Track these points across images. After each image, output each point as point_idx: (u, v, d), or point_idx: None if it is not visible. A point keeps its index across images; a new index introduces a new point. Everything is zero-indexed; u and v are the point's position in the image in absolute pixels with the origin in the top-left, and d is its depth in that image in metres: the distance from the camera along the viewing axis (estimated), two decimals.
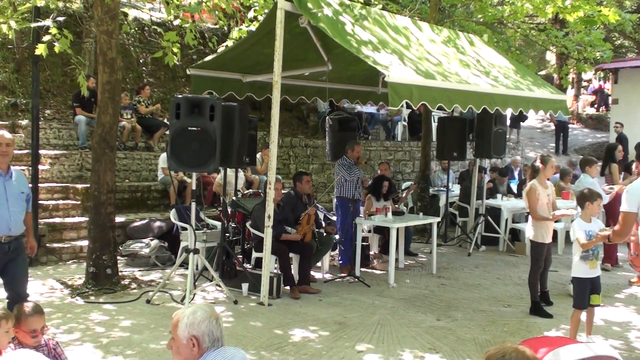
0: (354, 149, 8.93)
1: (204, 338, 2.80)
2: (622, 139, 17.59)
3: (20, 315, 3.92)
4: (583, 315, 6.05)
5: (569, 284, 7.66)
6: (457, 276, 8.94)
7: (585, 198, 6.04)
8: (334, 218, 9.71)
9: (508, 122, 14.12)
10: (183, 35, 8.05)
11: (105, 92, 7.64)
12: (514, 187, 12.64)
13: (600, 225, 6.06)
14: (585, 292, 6.02)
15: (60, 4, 13.46)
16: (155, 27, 15.76)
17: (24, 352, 3.31)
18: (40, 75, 9.66)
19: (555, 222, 7.90)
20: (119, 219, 9.05)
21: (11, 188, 5.46)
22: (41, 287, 7.67)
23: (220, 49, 9.68)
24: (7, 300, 5.51)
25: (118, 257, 8.32)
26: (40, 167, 9.59)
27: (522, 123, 19.24)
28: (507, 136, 14.48)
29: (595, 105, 26.53)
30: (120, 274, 8.04)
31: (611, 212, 9.20)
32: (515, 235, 11.32)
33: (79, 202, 10.15)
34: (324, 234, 8.84)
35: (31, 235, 5.87)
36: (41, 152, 10.19)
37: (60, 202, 10.14)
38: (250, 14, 9.55)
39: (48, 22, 6.40)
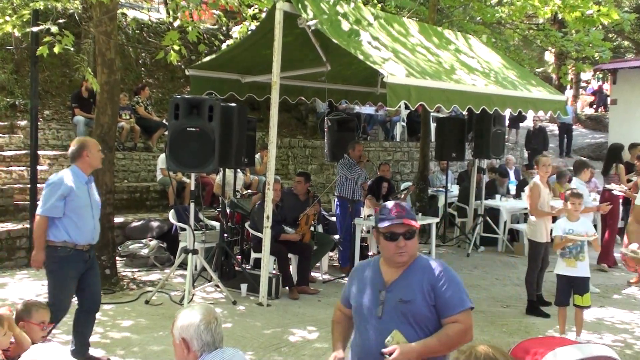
0: (355, 149, 8.95)
1: (193, 342, 2.79)
2: (542, 131, 17.66)
3: (30, 308, 3.97)
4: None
5: None
6: None
7: (566, 199, 6.33)
8: (333, 218, 9.72)
9: (507, 123, 14.13)
10: (186, 33, 8.06)
11: (104, 92, 7.63)
12: (512, 187, 12.64)
13: (588, 225, 6.25)
14: (563, 290, 6.18)
15: (59, 5, 13.46)
16: (156, 25, 15.78)
17: (51, 345, 3.33)
18: (39, 76, 9.64)
19: (554, 222, 7.93)
20: (117, 219, 9.04)
21: (93, 194, 5.37)
22: (39, 288, 7.65)
23: (223, 48, 9.70)
24: (79, 308, 5.38)
25: (117, 258, 8.31)
26: (38, 167, 9.56)
27: (520, 123, 19.27)
28: (506, 137, 14.50)
29: (594, 106, 26.58)
30: (119, 274, 8.04)
31: (608, 212, 9.22)
32: (514, 235, 11.33)
33: None
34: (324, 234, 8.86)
35: None
36: (40, 152, 10.15)
37: None
38: (250, 11, 9.56)
39: (49, 25, 6.39)
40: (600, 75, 27.38)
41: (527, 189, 7.34)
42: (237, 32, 9.89)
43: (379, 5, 11.26)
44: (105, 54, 7.59)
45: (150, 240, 9.27)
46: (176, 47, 7.70)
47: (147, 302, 7.10)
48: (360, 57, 7.14)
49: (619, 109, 19.52)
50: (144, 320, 6.48)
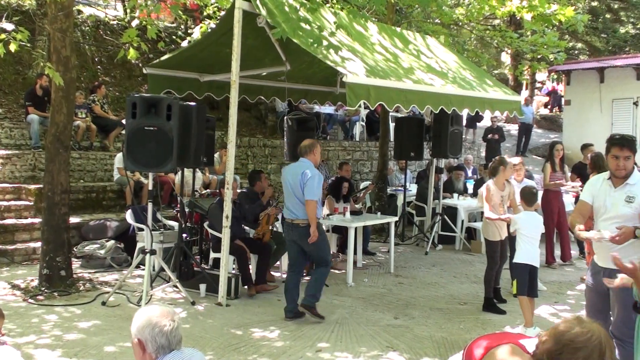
0: None
1: (147, 344, 2.77)
2: (500, 130, 18.01)
3: None
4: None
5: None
6: (415, 275, 9.04)
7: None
8: None
9: (464, 123, 14.32)
10: (144, 31, 7.97)
11: (59, 91, 7.49)
12: (469, 186, 12.82)
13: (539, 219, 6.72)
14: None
15: (13, 0, 13.16)
16: (113, 23, 15.55)
17: (3, 348, 3.24)
18: None
19: None
20: (73, 219, 8.89)
21: None
22: None
23: (184, 44, 9.60)
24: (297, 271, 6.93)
25: (73, 259, 8.17)
26: None
27: (478, 123, 19.56)
28: (464, 136, 14.69)
29: (549, 107, 27.13)
30: (75, 275, 7.91)
31: (547, 210, 9.40)
32: (471, 234, 11.50)
33: (31, 203, 9.93)
34: (283, 234, 8.85)
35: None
36: None
37: (12, 203, 9.90)
38: (211, 10, 9.50)
39: (4, 22, 6.23)
40: (555, 77, 27.95)
41: (480, 190, 7.44)
42: (198, 32, 9.82)
43: (338, 5, 11.26)
44: (61, 52, 7.46)
45: (107, 241, 9.14)
46: (135, 44, 7.60)
47: (103, 303, 7.00)
48: (320, 57, 7.16)
49: (572, 109, 20.01)
50: (101, 322, 6.38)
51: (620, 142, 4.57)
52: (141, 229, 8.33)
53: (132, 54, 7.83)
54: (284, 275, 8.62)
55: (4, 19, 6.38)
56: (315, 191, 6.49)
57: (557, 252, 9.95)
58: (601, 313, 4.71)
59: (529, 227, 6.46)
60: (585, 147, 10.15)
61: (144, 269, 7.26)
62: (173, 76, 9.34)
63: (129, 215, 8.72)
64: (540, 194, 8.87)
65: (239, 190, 8.98)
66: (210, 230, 8.18)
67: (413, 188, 12.81)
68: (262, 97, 10.77)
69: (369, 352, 5.71)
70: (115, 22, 15.76)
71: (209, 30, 9.32)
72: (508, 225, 6.91)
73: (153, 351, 2.77)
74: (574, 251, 10.15)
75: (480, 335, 2.99)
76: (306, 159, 6.70)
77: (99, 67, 15.26)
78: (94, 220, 9.77)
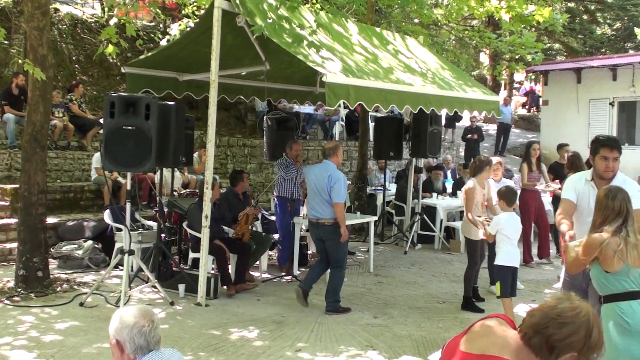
0: (292, 148, 8.96)
1: (126, 345, 2.76)
2: (478, 130, 18.22)
3: None
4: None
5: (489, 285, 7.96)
6: (394, 274, 9.07)
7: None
8: (273, 218, 9.71)
9: (443, 122, 14.41)
10: (123, 29, 7.91)
11: (36, 89, 7.41)
12: (448, 186, 12.89)
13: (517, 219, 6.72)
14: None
15: None
16: (90, 21, 15.43)
17: None
18: None
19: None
20: (50, 220, 8.80)
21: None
22: None
23: (163, 42, 9.54)
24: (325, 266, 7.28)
25: (50, 260, 8.09)
26: None
27: (457, 123, 19.68)
28: (442, 136, 14.77)
29: (527, 107, 27.37)
30: (52, 276, 7.82)
31: (524, 209, 9.47)
32: (450, 233, 11.57)
33: (7, 204, 9.82)
34: (263, 234, 8.85)
35: None
36: None
37: None
38: (189, 9, 9.46)
39: None
40: (533, 77, 28.22)
41: (463, 189, 7.50)
42: (176, 29, 9.77)
43: (317, 5, 11.26)
44: (38, 50, 7.37)
45: (85, 241, 9.06)
46: (114, 40, 7.54)
47: (81, 304, 6.94)
48: (300, 57, 7.15)
49: (550, 109, 20.19)
50: (79, 323, 6.32)
51: (610, 144, 4.54)
52: (119, 229, 8.27)
53: (110, 49, 7.77)
54: (264, 275, 8.64)
55: None
56: (342, 194, 6.98)
57: (534, 251, 10.04)
58: None
59: (510, 227, 6.49)
60: (560, 147, 10.25)
61: (122, 270, 7.21)
62: (152, 75, 9.28)
63: (106, 215, 8.65)
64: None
65: (222, 191, 8.96)
66: (189, 231, 8.14)
67: (392, 188, 12.85)
68: (242, 97, 10.74)
69: (348, 352, 5.72)
70: (93, 21, 15.63)
71: (188, 29, 9.27)
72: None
73: (131, 352, 2.76)
74: (552, 250, 10.25)
75: (459, 333, 3.01)
76: (329, 161, 7.09)
77: (76, 66, 15.13)
78: (71, 221, 9.68)
